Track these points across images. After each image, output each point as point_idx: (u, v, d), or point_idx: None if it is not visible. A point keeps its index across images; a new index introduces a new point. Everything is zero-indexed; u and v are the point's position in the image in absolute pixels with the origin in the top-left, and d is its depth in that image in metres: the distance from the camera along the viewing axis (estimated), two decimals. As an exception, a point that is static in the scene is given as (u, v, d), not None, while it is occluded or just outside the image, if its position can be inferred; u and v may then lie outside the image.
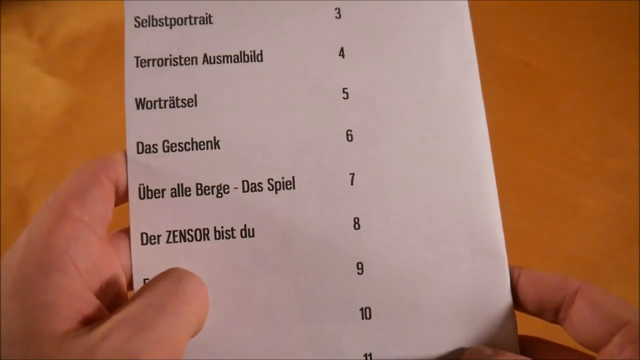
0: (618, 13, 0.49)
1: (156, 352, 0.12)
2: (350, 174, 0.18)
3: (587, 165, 0.42)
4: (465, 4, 0.25)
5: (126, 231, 0.18)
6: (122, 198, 0.19)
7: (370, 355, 0.17)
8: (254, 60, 0.19)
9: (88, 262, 0.15)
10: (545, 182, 0.41)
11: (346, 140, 0.19)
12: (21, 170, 0.43)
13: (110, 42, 0.49)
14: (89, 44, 0.49)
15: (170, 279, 0.15)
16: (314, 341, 0.16)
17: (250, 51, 0.19)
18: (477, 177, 0.20)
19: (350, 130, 0.19)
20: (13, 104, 0.46)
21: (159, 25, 0.19)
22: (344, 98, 0.19)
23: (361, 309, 0.17)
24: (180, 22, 0.19)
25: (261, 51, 0.19)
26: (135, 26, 0.20)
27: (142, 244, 0.17)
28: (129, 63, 0.20)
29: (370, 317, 0.17)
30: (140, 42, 0.20)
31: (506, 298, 0.19)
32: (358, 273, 0.17)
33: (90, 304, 0.14)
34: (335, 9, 0.20)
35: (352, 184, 0.18)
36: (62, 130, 0.45)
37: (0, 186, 0.42)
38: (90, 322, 0.14)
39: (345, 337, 0.17)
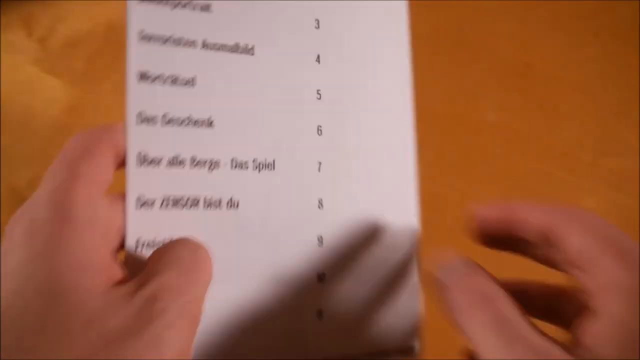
0: (618, 13, 0.49)
1: (190, 312, 0.14)
2: (318, 162, 0.22)
3: (587, 165, 0.42)
4: (404, 4, 0.29)
5: (119, 196, 0.19)
6: (120, 164, 0.19)
7: (321, 312, 0.21)
8: (247, 54, 0.21)
9: (101, 224, 0.16)
10: (545, 182, 0.41)
11: (316, 134, 0.22)
12: (21, 170, 0.43)
13: (110, 43, 0.49)
14: (89, 44, 0.49)
15: (189, 249, 0.17)
16: (279, 297, 0.20)
17: (244, 44, 0.21)
18: (396, 161, 0.23)
19: (321, 126, 0.22)
20: (13, 104, 0.46)
21: (162, 3, 0.20)
22: (317, 98, 0.22)
23: (318, 274, 0.21)
24: (181, 6, 0.21)
25: (253, 46, 0.22)
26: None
27: (137, 207, 0.18)
28: (132, 37, 0.20)
29: (324, 280, 0.21)
30: (142, 17, 0.20)
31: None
32: (318, 245, 0.21)
33: (111, 263, 0.16)
34: (315, 20, 0.23)
35: (319, 170, 0.22)
36: (62, 130, 0.45)
37: (0, 186, 0.42)
38: (114, 281, 0.15)
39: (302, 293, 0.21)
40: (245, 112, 0.21)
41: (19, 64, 0.49)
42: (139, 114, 0.19)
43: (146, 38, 0.20)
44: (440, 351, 0.32)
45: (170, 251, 0.16)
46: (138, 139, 0.19)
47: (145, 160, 0.19)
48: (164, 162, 0.19)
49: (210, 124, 0.20)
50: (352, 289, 0.22)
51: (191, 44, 0.21)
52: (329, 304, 0.21)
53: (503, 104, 0.45)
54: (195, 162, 0.20)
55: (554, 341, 0.16)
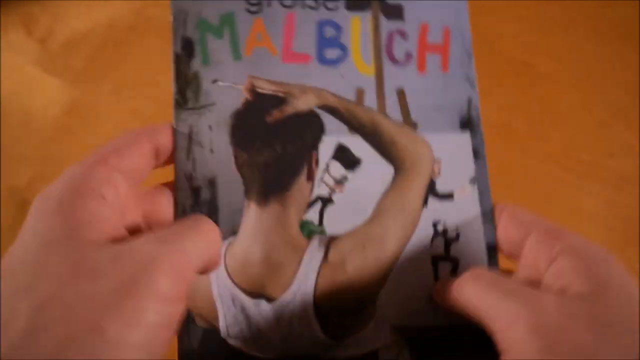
0: (618, 13, 0.49)
1: (171, 260, 0.16)
2: None
3: (587, 165, 0.42)
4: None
5: (159, 187, 0.22)
6: (161, 163, 0.22)
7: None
8: None
9: (115, 200, 0.19)
10: (545, 182, 0.41)
11: None
12: (21, 170, 0.43)
13: (110, 43, 0.49)
14: (89, 44, 0.49)
15: (192, 218, 0.20)
16: None
17: None
18: None
19: None
20: (13, 104, 0.47)
21: None
22: None
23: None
24: None
25: None
26: None
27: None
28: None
29: None
30: None
31: None
32: None
33: (116, 227, 0.18)
34: None
35: None
36: (62, 130, 0.45)
37: (0, 186, 0.42)
38: (114, 238, 0.18)
39: None
40: None
41: (18, 64, 0.49)
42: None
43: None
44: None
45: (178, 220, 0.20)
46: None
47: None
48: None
49: None
50: None
51: None
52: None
53: (503, 104, 0.45)
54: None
55: None
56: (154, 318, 0.15)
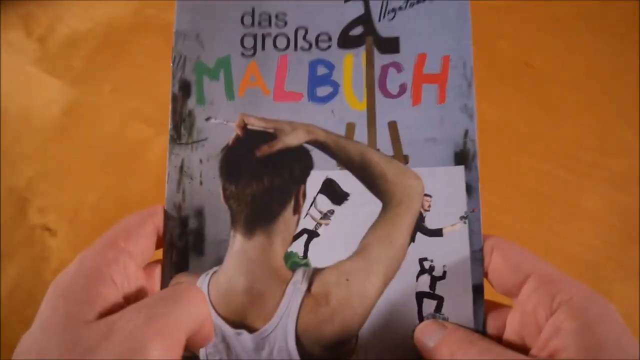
0: (618, 13, 0.49)
1: (161, 329, 0.17)
2: None
3: (588, 165, 0.42)
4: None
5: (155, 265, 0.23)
6: (159, 244, 0.23)
7: None
8: None
9: (124, 280, 0.20)
10: (545, 182, 0.41)
11: None
12: (21, 170, 0.43)
13: (109, 43, 0.49)
14: (89, 44, 0.49)
15: (181, 286, 0.20)
16: None
17: None
18: None
19: None
20: (12, 103, 0.46)
21: None
22: None
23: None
24: None
25: None
26: None
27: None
28: None
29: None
30: None
31: None
32: None
33: (117, 303, 0.19)
34: None
35: None
36: (61, 130, 0.45)
37: (0, 185, 0.42)
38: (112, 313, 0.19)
39: None
40: None
41: (18, 64, 0.49)
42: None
43: None
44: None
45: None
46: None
47: None
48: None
49: None
50: None
51: None
52: None
53: (503, 104, 0.45)
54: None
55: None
56: None
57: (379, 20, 0.26)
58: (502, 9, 0.50)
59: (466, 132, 0.25)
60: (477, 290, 0.23)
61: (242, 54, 0.27)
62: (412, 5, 0.27)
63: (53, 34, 0.50)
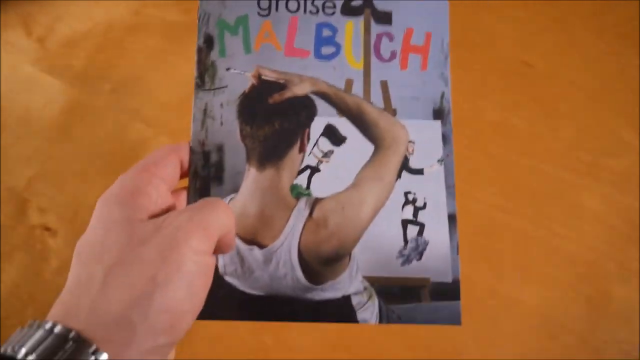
0: (618, 13, 0.49)
1: (199, 224, 0.22)
2: None
3: (588, 165, 0.42)
4: None
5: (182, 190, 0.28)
6: (184, 174, 0.28)
7: None
8: None
9: (158, 197, 0.24)
10: (545, 182, 0.41)
11: None
12: (20, 170, 0.43)
13: (109, 43, 0.49)
14: (88, 44, 0.49)
15: (212, 199, 0.25)
16: None
17: None
18: None
19: None
20: (12, 103, 0.46)
21: None
22: None
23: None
24: None
25: None
26: None
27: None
28: None
29: None
30: None
31: None
32: None
33: (157, 211, 0.24)
34: None
35: None
36: (61, 130, 0.45)
37: (0, 185, 0.42)
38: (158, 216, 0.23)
39: None
40: None
41: (18, 64, 0.49)
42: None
43: None
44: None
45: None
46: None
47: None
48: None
49: None
50: None
51: None
52: None
53: (503, 104, 0.45)
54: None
55: None
56: (192, 267, 0.21)
57: None
58: (502, 9, 0.50)
59: (443, 94, 0.30)
60: (452, 218, 0.28)
61: (259, 14, 0.31)
62: None
63: (53, 34, 0.50)
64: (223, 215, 0.23)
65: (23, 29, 0.51)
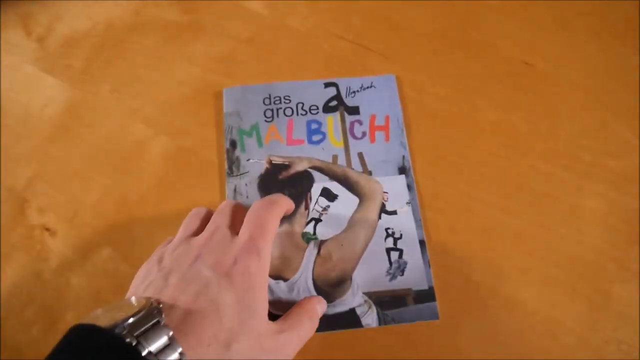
0: (618, 13, 0.49)
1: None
2: None
3: (588, 165, 0.42)
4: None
5: None
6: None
7: None
8: None
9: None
10: (545, 182, 0.41)
11: None
12: (20, 170, 0.43)
13: (109, 42, 0.49)
14: (88, 44, 0.49)
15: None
16: None
17: None
18: None
19: None
20: (12, 103, 0.46)
21: None
22: None
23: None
24: None
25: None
26: None
27: None
28: None
29: None
30: None
31: None
32: None
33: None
34: None
35: None
36: (60, 130, 0.45)
37: (-2, 186, 0.42)
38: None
39: None
40: None
41: (17, 64, 0.49)
42: None
43: None
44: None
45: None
46: None
47: None
48: None
49: None
50: None
51: None
52: None
53: (503, 104, 0.45)
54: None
55: None
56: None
57: (346, 97, 0.45)
58: (502, 9, 0.50)
59: (403, 156, 0.41)
60: (422, 242, 0.38)
61: (265, 120, 0.43)
62: (364, 89, 0.45)
63: (52, 34, 0.50)
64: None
65: (23, 28, 0.51)
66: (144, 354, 0.21)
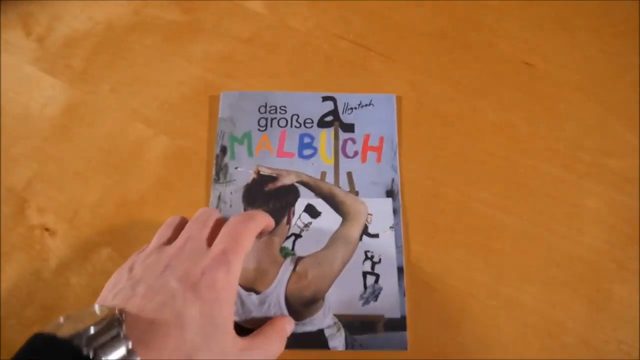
0: (618, 13, 0.49)
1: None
2: None
3: (588, 165, 0.42)
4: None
5: None
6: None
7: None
8: None
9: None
10: (545, 182, 0.41)
11: None
12: (20, 170, 0.43)
13: (108, 42, 0.49)
14: (88, 44, 0.49)
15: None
16: None
17: None
18: None
19: None
20: (11, 103, 0.46)
21: None
22: None
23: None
24: None
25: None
26: None
27: None
28: None
29: None
30: None
31: None
32: None
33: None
34: None
35: None
36: (60, 130, 0.45)
37: (-2, 186, 0.42)
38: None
39: None
40: None
41: (17, 64, 0.49)
42: None
43: None
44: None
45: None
46: None
47: None
48: None
49: None
50: None
51: None
52: None
53: (503, 104, 0.45)
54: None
55: None
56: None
57: (342, 113, 0.43)
58: (502, 9, 0.50)
59: (393, 180, 0.41)
60: (400, 269, 0.37)
61: (258, 129, 0.43)
62: (362, 107, 0.44)
63: (52, 34, 0.50)
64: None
65: (22, 28, 0.51)
66: None
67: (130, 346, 0.23)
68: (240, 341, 0.28)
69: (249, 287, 0.36)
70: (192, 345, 0.25)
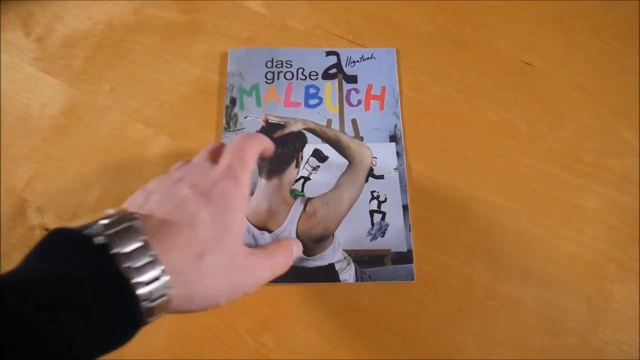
0: (618, 13, 0.49)
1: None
2: None
3: (588, 166, 0.42)
4: None
5: None
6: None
7: None
8: None
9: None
10: (545, 182, 0.41)
11: None
12: (20, 170, 0.43)
13: (108, 42, 0.49)
14: (88, 44, 0.49)
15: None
16: None
17: None
18: None
19: None
20: (11, 103, 0.46)
21: None
22: None
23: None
24: None
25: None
26: None
27: None
28: None
29: None
30: None
31: None
32: None
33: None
34: None
35: None
36: (60, 130, 0.45)
37: (-2, 186, 0.42)
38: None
39: None
40: None
41: (17, 64, 0.49)
42: None
43: None
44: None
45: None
46: None
47: None
48: None
49: None
50: None
51: None
52: None
53: (503, 104, 0.45)
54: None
55: None
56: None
57: (345, 66, 0.46)
58: (502, 9, 0.50)
59: (395, 125, 0.43)
60: (405, 207, 0.40)
61: (266, 82, 0.45)
62: (364, 59, 0.47)
63: (52, 34, 0.50)
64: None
65: (22, 28, 0.51)
66: (112, 252, 0.22)
67: (144, 238, 0.23)
68: (248, 248, 0.29)
69: (262, 226, 0.39)
70: (204, 243, 0.25)
